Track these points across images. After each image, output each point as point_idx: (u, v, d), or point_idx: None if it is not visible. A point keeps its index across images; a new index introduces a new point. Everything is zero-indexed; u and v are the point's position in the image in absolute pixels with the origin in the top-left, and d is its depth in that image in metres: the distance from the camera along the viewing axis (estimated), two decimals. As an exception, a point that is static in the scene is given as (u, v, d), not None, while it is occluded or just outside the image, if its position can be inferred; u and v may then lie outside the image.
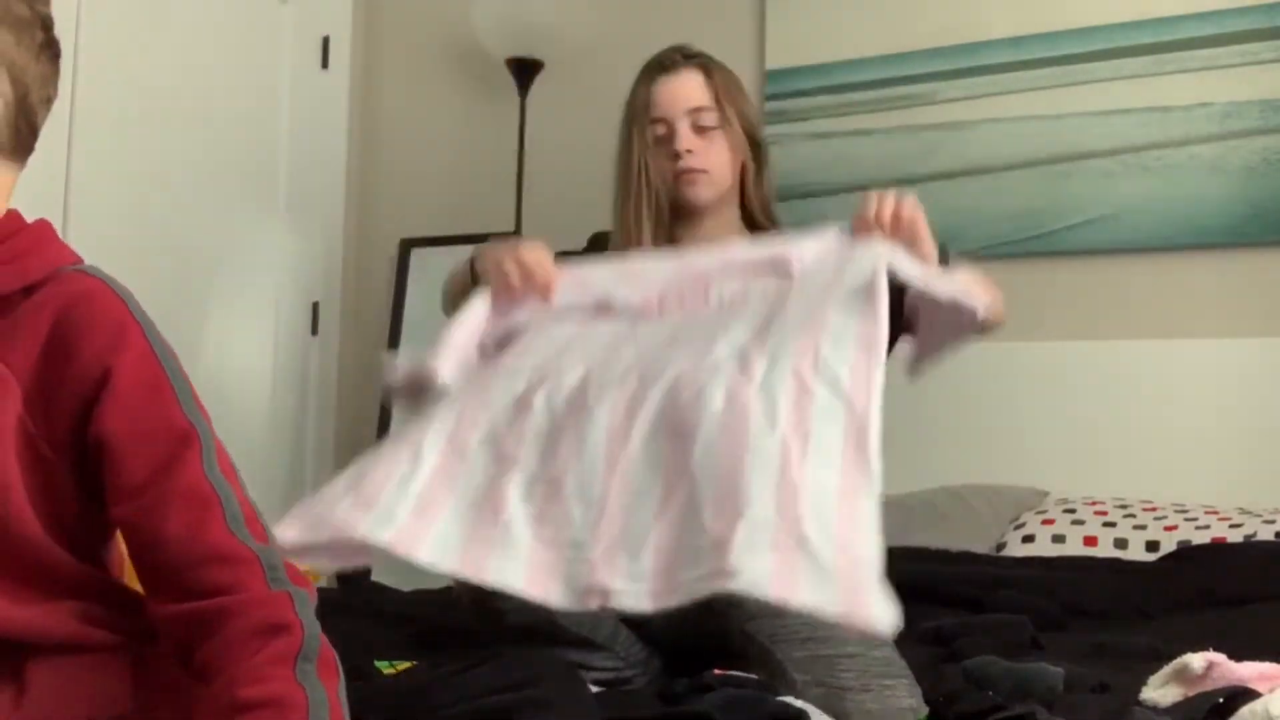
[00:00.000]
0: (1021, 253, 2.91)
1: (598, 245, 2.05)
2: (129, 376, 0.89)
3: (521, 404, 1.38)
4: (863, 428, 1.24)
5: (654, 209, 1.91)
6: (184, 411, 0.91)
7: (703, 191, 1.92)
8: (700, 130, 1.91)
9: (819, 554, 1.13)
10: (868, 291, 1.40)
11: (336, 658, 0.90)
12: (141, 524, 0.89)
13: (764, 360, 1.32)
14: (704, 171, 1.91)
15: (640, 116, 1.93)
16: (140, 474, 0.89)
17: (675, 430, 1.28)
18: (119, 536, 0.99)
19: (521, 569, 1.20)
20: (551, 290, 1.64)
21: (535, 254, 1.68)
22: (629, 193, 1.93)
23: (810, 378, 1.29)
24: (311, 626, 0.88)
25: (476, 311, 1.62)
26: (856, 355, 1.31)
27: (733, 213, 1.99)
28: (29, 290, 0.92)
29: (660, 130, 1.92)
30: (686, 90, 1.92)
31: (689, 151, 1.90)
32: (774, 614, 1.53)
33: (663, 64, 1.95)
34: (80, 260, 0.97)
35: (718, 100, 1.92)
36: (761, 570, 1.12)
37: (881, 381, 1.30)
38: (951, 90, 3.01)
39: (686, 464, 1.24)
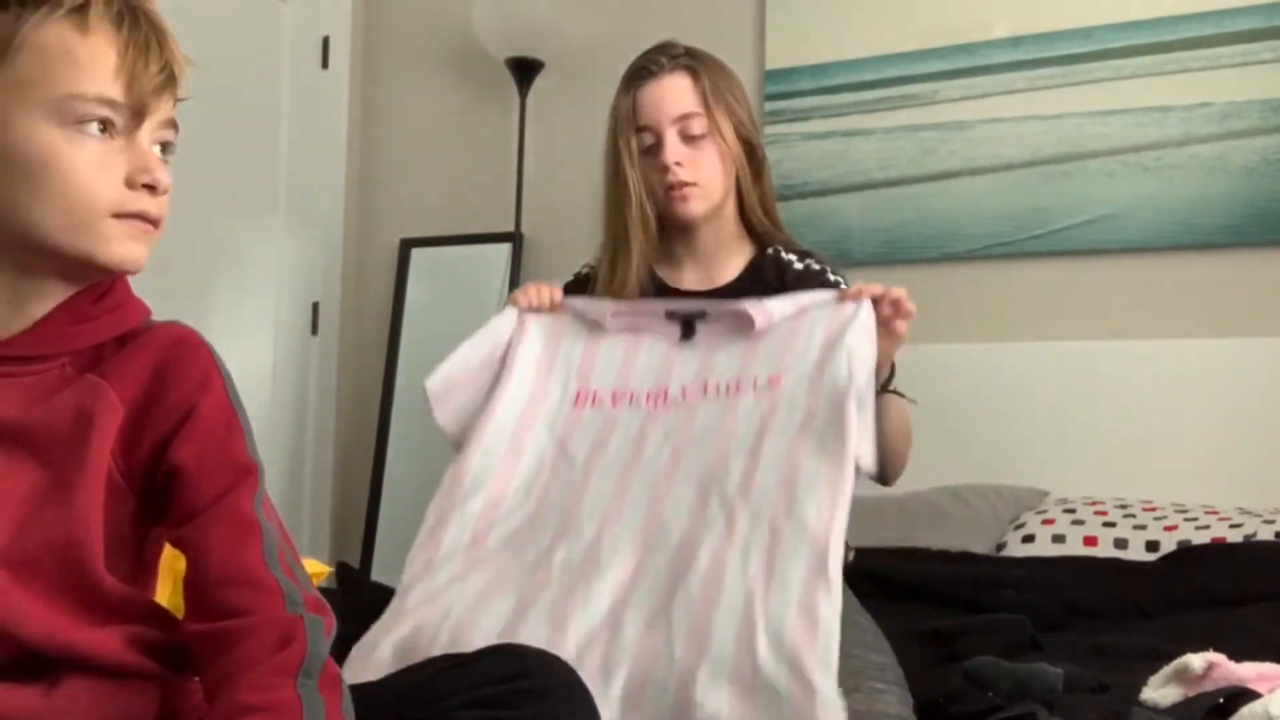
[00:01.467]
0: (1021, 253, 2.91)
1: (578, 287, 1.97)
2: (208, 415, 1.00)
3: (544, 559, 1.53)
4: (823, 553, 1.39)
5: (643, 224, 1.86)
6: (248, 450, 1.01)
7: (694, 206, 1.84)
8: (689, 139, 1.83)
9: (774, 681, 1.28)
10: (838, 428, 1.51)
11: (343, 681, 0.95)
12: (193, 542, 0.98)
13: (745, 518, 1.46)
14: (694, 184, 1.83)
15: (625, 126, 1.85)
16: (204, 498, 0.98)
17: (668, 586, 1.43)
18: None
19: None
20: (557, 305, 1.82)
21: (546, 286, 1.85)
22: (618, 207, 1.86)
23: (782, 525, 1.43)
24: (316, 646, 0.94)
25: (502, 324, 1.78)
26: (823, 495, 1.45)
27: (729, 221, 1.91)
28: (121, 339, 1.03)
29: (648, 140, 1.84)
30: (672, 96, 1.83)
31: (678, 164, 1.81)
32: None
33: (647, 68, 1.85)
34: (150, 311, 1.07)
35: (706, 104, 1.83)
36: (722, 702, 1.28)
37: (845, 512, 1.45)
38: (951, 90, 3.01)
39: (668, 611, 1.40)
